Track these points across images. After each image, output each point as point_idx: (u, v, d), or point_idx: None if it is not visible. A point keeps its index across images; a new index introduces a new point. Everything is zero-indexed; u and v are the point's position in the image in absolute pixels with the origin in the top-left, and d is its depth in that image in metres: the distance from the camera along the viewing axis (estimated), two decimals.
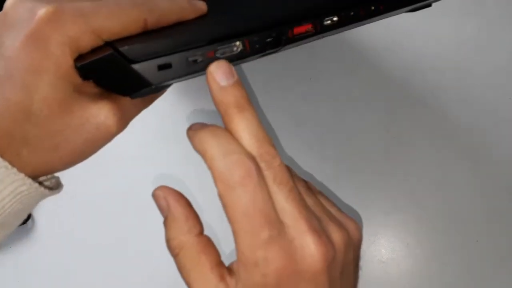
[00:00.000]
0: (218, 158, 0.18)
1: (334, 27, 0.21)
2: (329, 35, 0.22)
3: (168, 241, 0.20)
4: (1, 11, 0.19)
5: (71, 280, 0.46)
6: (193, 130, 0.19)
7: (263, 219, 0.17)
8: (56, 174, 0.22)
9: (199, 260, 0.19)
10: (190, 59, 0.19)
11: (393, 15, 0.25)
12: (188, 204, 0.20)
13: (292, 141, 0.49)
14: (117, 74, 0.18)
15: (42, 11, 0.17)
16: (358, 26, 0.23)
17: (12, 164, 0.18)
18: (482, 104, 0.48)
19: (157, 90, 0.20)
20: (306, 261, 0.18)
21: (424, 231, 0.44)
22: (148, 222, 0.22)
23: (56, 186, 0.22)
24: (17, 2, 0.18)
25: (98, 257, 0.46)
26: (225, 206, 0.18)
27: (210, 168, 0.18)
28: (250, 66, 0.50)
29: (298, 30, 0.21)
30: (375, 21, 0.23)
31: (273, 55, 0.22)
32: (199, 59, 0.19)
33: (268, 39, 0.20)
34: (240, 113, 0.19)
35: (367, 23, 0.23)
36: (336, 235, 0.19)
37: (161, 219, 0.21)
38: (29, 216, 0.47)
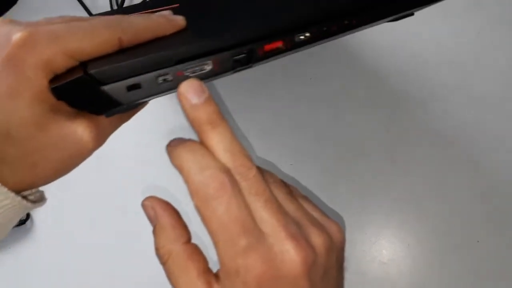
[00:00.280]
0: (193, 173, 0.18)
1: (307, 43, 0.22)
2: (305, 49, 0.22)
3: (156, 250, 0.20)
4: None
5: (70, 280, 0.46)
6: (171, 146, 0.20)
7: (240, 229, 0.18)
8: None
9: (186, 267, 0.19)
10: (160, 79, 0.19)
11: (372, 27, 0.24)
12: (175, 213, 0.21)
13: (292, 141, 0.49)
14: (88, 95, 0.18)
15: (17, 35, 0.18)
16: (334, 39, 0.23)
17: None
18: (483, 104, 0.48)
19: (130, 108, 0.20)
20: (286, 267, 0.18)
21: (425, 232, 0.44)
22: (148, 222, 0.22)
23: (39, 199, 0.22)
24: None
25: (97, 257, 0.46)
26: (202, 219, 0.19)
27: (186, 183, 0.19)
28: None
29: (269, 47, 0.21)
30: (352, 33, 0.23)
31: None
32: (169, 78, 0.20)
33: (238, 57, 0.20)
34: (213, 129, 0.19)
35: (345, 36, 0.23)
36: (317, 239, 0.20)
37: None
38: (28, 216, 0.47)
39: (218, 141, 0.19)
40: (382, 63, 0.51)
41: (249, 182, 0.19)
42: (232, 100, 0.51)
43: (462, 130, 0.47)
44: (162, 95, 0.20)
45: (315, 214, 0.22)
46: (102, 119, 0.21)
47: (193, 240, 0.21)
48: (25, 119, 0.19)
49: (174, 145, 0.20)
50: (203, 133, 0.19)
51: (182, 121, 0.52)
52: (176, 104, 0.51)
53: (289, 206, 0.21)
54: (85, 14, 0.59)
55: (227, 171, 0.19)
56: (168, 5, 0.36)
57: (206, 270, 0.20)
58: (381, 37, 0.52)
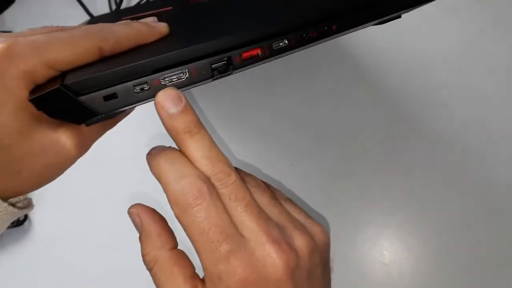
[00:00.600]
0: (172, 182, 0.19)
1: (286, 50, 0.22)
2: (287, 55, 0.22)
3: (143, 256, 0.21)
4: None
5: (68, 280, 0.46)
6: (151, 155, 0.21)
7: (220, 235, 0.18)
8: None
9: (172, 273, 0.20)
10: (136, 88, 0.20)
11: (355, 31, 0.24)
12: (161, 220, 0.21)
13: (293, 141, 0.48)
14: (65, 106, 0.19)
15: None
16: (316, 45, 0.23)
17: None
18: (484, 104, 0.48)
19: (110, 116, 0.20)
20: (268, 270, 0.18)
21: (426, 232, 0.44)
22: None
23: (27, 206, 0.23)
24: None
25: (95, 257, 0.46)
26: (183, 227, 0.19)
27: (165, 192, 0.19)
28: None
29: (247, 55, 0.21)
30: (335, 38, 0.23)
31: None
32: (146, 87, 0.20)
33: (216, 65, 0.21)
34: (191, 137, 0.20)
35: (326, 41, 0.23)
36: (299, 242, 0.20)
37: None
38: (26, 217, 0.47)
39: (196, 149, 0.20)
40: (383, 62, 0.51)
41: (229, 188, 0.19)
42: (232, 98, 0.51)
43: (463, 130, 0.47)
44: (143, 104, 0.20)
45: (299, 216, 0.22)
46: (85, 127, 0.21)
47: (180, 246, 0.21)
48: (9, 129, 0.19)
49: (153, 154, 0.20)
50: (181, 141, 0.20)
51: None
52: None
53: (272, 210, 0.21)
54: (83, 13, 0.58)
55: (205, 179, 0.19)
56: (163, 8, 0.37)
57: (193, 275, 0.20)
58: (382, 36, 0.52)
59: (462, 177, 0.45)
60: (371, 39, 0.52)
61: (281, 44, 0.21)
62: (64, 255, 0.47)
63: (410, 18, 0.53)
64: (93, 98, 0.19)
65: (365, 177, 0.46)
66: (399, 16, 0.27)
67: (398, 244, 0.44)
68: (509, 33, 0.51)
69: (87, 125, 0.20)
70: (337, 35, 0.23)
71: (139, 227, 0.21)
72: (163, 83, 0.20)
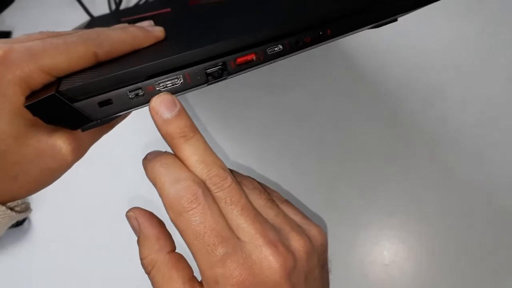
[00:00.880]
0: (167, 187, 0.19)
1: (280, 55, 0.22)
2: (282, 60, 0.22)
3: (141, 260, 0.21)
4: None
5: (67, 281, 0.46)
6: (147, 160, 0.21)
7: (216, 238, 0.18)
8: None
9: (170, 276, 0.20)
10: (131, 94, 0.20)
11: (352, 34, 0.24)
12: (159, 224, 0.21)
13: (293, 141, 0.48)
14: (60, 112, 0.19)
15: None
16: (313, 49, 0.23)
17: None
18: (485, 104, 0.48)
19: (106, 122, 0.20)
20: (265, 273, 0.18)
21: (427, 233, 0.44)
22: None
23: (25, 209, 0.23)
24: None
25: (94, 257, 0.46)
26: (179, 231, 0.19)
27: (161, 196, 0.19)
28: None
29: (241, 60, 0.21)
30: (332, 42, 0.23)
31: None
32: (140, 93, 0.20)
33: (210, 71, 0.20)
34: (186, 142, 0.20)
35: (324, 44, 0.23)
36: (297, 243, 0.20)
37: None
38: (25, 218, 0.47)
39: (191, 153, 0.20)
40: (383, 62, 0.51)
41: (224, 191, 0.19)
42: (227, 99, 0.51)
43: (463, 130, 0.47)
44: (138, 109, 0.21)
45: (296, 218, 0.22)
46: (81, 132, 0.21)
47: (178, 250, 0.21)
48: (5, 134, 0.19)
49: (149, 159, 0.21)
50: (176, 146, 0.20)
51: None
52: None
53: (269, 212, 0.21)
54: (83, 13, 0.58)
55: (200, 183, 0.19)
56: (161, 10, 0.37)
57: (191, 278, 0.20)
58: (382, 36, 0.52)
59: (462, 177, 0.45)
60: (371, 39, 0.52)
61: (275, 49, 0.21)
62: (63, 255, 0.47)
63: (410, 18, 0.53)
64: (88, 104, 0.19)
65: (365, 177, 0.46)
66: (395, 20, 0.27)
67: (398, 245, 0.44)
68: (509, 33, 0.51)
69: (83, 130, 0.20)
70: (332, 39, 0.23)
71: (137, 231, 0.21)
72: (157, 88, 0.20)
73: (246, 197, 0.20)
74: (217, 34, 0.23)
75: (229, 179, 0.20)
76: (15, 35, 0.59)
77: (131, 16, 0.42)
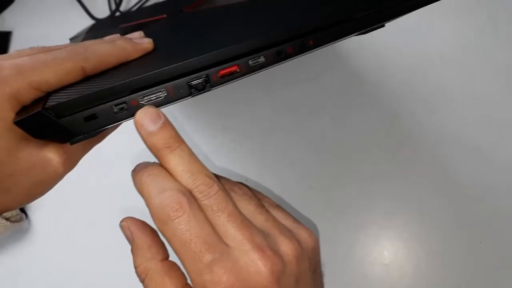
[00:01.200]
0: (153, 197, 0.19)
1: (263, 66, 0.22)
2: (266, 70, 0.22)
3: (135, 268, 0.21)
4: None
5: (67, 280, 0.46)
6: (135, 171, 0.21)
7: (202, 245, 0.18)
8: None
9: (164, 284, 0.20)
10: (115, 108, 0.20)
11: (337, 42, 0.24)
12: (152, 233, 0.21)
13: (293, 141, 0.48)
14: (48, 127, 0.19)
15: None
16: (296, 59, 0.23)
17: None
18: (485, 104, 0.48)
19: (93, 135, 0.21)
20: (253, 278, 0.18)
21: (427, 233, 0.44)
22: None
23: (20, 219, 0.24)
24: None
25: (94, 257, 0.46)
26: (167, 240, 0.19)
27: (147, 206, 0.19)
28: None
29: (224, 72, 0.21)
30: (315, 51, 0.23)
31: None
32: (125, 107, 0.20)
33: (193, 83, 0.21)
34: (171, 152, 0.20)
35: (308, 53, 0.23)
36: (285, 247, 0.20)
37: None
38: (25, 217, 0.47)
39: (176, 163, 0.20)
40: (383, 62, 0.51)
41: (211, 199, 0.20)
42: (233, 96, 0.51)
43: (463, 130, 0.47)
44: (124, 122, 0.21)
45: (287, 222, 0.23)
46: (71, 145, 0.22)
47: (172, 258, 0.21)
48: None
49: (137, 170, 0.21)
50: (162, 157, 0.20)
51: (186, 125, 0.51)
52: (184, 107, 0.50)
53: (258, 218, 0.21)
54: (83, 13, 0.58)
55: (184, 191, 0.19)
56: (158, 16, 0.38)
57: (184, 285, 0.20)
58: (381, 36, 0.52)
59: (462, 177, 0.45)
60: (371, 40, 0.51)
61: (258, 60, 0.21)
62: (63, 255, 0.47)
63: (410, 18, 0.53)
64: (74, 120, 0.20)
65: (365, 178, 0.46)
66: (383, 25, 0.27)
67: (398, 245, 0.44)
68: (508, 33, 0.51)
69: (71, 144, 0.21)
70: (316, 49, 0.23)
71: (130, 240, 0.22)
72: (141, 102, 0.20)
73: (234, 203, 0.20)
74: (201, 46, 0.23)
75: (215, 187, 0.20)
76: (15, 35, 0.59)
77: (129, 22, 0.43)
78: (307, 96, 0.50)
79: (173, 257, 0.21)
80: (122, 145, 0.48)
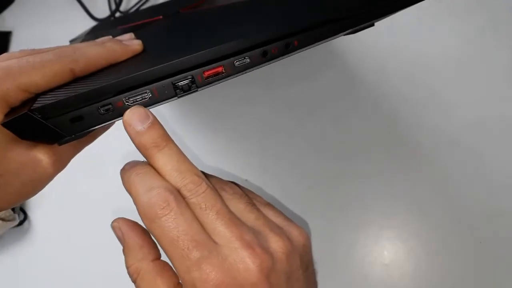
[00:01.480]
0: (140, 195, 0.19)
1: (249, 67, 0.22)
2: (252, 71, 0.22)
3: (126, 269, 0.21)
4: None
5: (67, 280, 0.46)
6: (124, 170, 0.21)
7: (190, 242, 0.18)
8: None
9: (155, 284, 0.20)
10: (101, 110, 0.20)
11: (324, 43, 0.24)
12: (143, 233, 0.21)
13: (293, 141, 0.48)
14: (35, 129, 0.20)
15: None
16: (284, 59, 0.23)
17: None
18: (485, 104, 0.48)
19: (81, 136, 0.21)
20: (242, 275, 0.18)
21: (427, 233, 0.44)
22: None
23: (12, 219, 0.25)
24: None
25: (94, 257, 0.46)
26: (155, 239, 0.19)
27: (135, 205, 0.19)
28: None
29: (209, 73, 0.21)
30: (305, 51, 0.23)
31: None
32: (110, 108, 0.20)
33: (179, 84, 0.21)
34: (159, 151, 0.20)
35: (296, 54, 0.23)
36: (275, 245, 0.20)
37: None
38: (25, 217, 0.47)
39: (165, 162, 0.20)
40: (382, 62, 0.51)
41: (199, 197, 0.20)
42: (233, 96, 0.51)
43: (464, 130, 0.47)
44: (111, 123, 0.21)
45: (277, 220, 0.23)
46: (62, 146, 0.22)
47: (164, 258, 0.21)
48: None
49: (126, 169, 0.21)
50: (151, 156, 0.20)
51: (183, 123, 0.51)
52: (184, 107, 0.50)
53: (249, 216, 0.21)
54: (83, 13, 0.58)
55: (172, 190, 0.19)
56: (153, 17, 0.39)
57: (176, 285, 0.20)
58: (381, 37, 0.52)
59: (462, 177, 0.45)
60: (371, 40, 0.52)
61: (243, 61, 0.21)
62: (63, 255, 0.47)
63: (410, 18, 0.53)
64: (61, 121, 0.20)
65: (365, 177, 0.46)
66: (372, 24, 0.27)
67: (398, 245, 0.44)
68: (509, 33, 0.51)
69: (59, 144, 0.21)
70: (302, 49, 0.23)
71: (121, 241, 0.22)
72: (127, 104, 0.20)
73: (223, 201, 0.20)
74: (187, 47, 0.23)
75: (203, 185, 0.20)
76: (15, 35, 0.59)
77: (128, 23, 0.44)
78: (307, 96, 0.50)
79: (165, 257, 0.21)
80: (123, 146, 0.48)
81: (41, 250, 0.47)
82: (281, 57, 0.22)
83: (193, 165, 0.21)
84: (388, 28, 0.52)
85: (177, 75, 0.21)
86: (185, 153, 0.21)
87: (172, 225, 0.18)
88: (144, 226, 0.20)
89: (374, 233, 0.44)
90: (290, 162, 0.47)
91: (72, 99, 0.19)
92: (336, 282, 0.43)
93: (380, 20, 0.26)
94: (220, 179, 0.23)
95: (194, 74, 0.21)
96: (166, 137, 0.21)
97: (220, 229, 0.19)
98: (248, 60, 0.21)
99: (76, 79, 0.22)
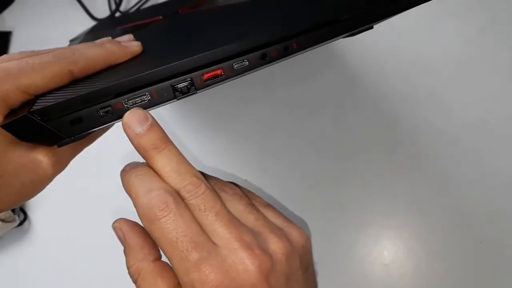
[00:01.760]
0: (140, 197, 0.19)
1: (247, 69, 0.22)
2: (251, 73, 0.22)
3: (127, 269, 0.21)
4: None
5: (67, 280, 0.46)
6: (124, 171, 0.21)
7: (189, 244, 0.18)
8: None
9: (156, 284, 0.20)
10: (100, 112, 0.20)
11: (324, 45, 0.24)
12: (143, 233, 0.22)
13: (293, 141, 0.48)
14: (34, 131, 0.20)
15: None
16: (283, 61, 0.23)
17: None
18: (485, 104, 0.48)
19: (79, 138, 0.21)
20: (241, 276, 0.18)
21: (427, 233, 0.44)
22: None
23: (12, 220, 0.25)
24: None
25: (94, 257, 0.46)
26: (155, 240, 0.19)
27: (135, 206, 0.20)
28: None
29: (208, 75, 0.21)
30: (303, 53, 0.23)
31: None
32: (110, 110, 0.20)
33: (177, 86, 0.21)
34: (159, 153, 0.20)
35: (294, 57, 0.23)
36: (275, 246, 0.20)
37: None
38: (26, 217, 0.47)
39: (164, 164, 0.20)
40: (382, 62, 0.51)
41: (198, 199, 0.20)
42: (233, 96, 0.51)
43: (464, 130, 0.47)
44: (110, 125, 0.21)
45: (277, 221, 0.23)
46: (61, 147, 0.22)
47: (164, 258, 0.21)
48: None
49: (126, 170, 0.21)
50: (150, 158, 0.21)
51: (183, 123, 0.51)
52: (184, 107, 0.50)
53: (248, 217, 0.21)
54: (83, 13, 0.58)
55: (171, 191, 0.19)
56: (153, 17, 0.39)
57: (177, 285, 0.20)
58: (381, 37, 0.52)
59: (462, 177, 0.45)
60: (372, 39, 0.52)
61: (242, 64, 0.21)
62: (63, 255, 0.47)
63: (410, 18, 0.53)
64: (60, 123, 0.20)
65: (365, 177, 0.46)
66: (371, 27, 0.27)
67: (398, 245, 0.44)
68: (509, 33, 0.51)
69: (59, 146, 0.21)
70: (301, 52, 0.23)
71: (122, 241, 0.22)
72: (126, 106, 0.21)
73: (222, 202, 0.21)
74: (186, 49, 0.23)
75: (202, 186, 0.20)
76: (15, 35, 0.59)
77: (127, 24, 0.44)
78: (307, 96, 0.50)
79: (165, 258, 0.21)
80: (123, 147, 0.48)
81: (41, 250, 0.47)
82: (280, 60, 0.22)
83: (192, 166, 0.21)
84: (388, 29, 0.52)
85: (176, 77, 0.21)
86: (184, 154, 0.21)
87: (171, 226, 0.19)
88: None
89: (374, 233, 0.44)
90: (290, 162, 0.47)
91: (71, 101, 0.19)
92: (336, 282, 0.43)
93: (379, 22, 0.26)
94: (220, 180, 0.23)
95: (193, 76, 0.21)
96: (165, 139, 0.21)
97: (219, 230, 0.19)
98: (247, 62, 0.22)
99: (76, 81, 0.22)
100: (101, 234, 0.46)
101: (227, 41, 0.21)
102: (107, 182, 0.48)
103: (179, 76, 0.21)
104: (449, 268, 0.42)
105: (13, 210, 0.44)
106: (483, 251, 0.43)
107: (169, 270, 0.21)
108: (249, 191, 0.24)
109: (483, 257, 0.42)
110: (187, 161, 0.21)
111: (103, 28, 0.51)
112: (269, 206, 0.24)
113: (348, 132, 0.48)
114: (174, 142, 0.21)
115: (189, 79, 0.21)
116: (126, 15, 0.57)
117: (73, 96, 0.19)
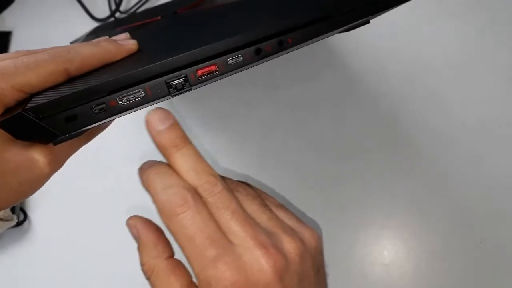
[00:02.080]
0: (159, 193, 0.20)
1: (241, 65, 0.22)
2: (248, 69, 0.22)
3: (141, 266, 0.21)
4: None
5: (67, 281, 0.46)
6: (142, 169, 0.22)
7: (206, 240, 0.19)
8: None
9: (169, 282, 0.20)
10: (95, 109, 0.20)
11: (319, 40, 0.24)
12: (157, 231, 0.22)
13: (293, 141, 0.48)
14: (29, 129, 0.20)
15: None
16: (278, 57, 0.23)
17: None
18: (485, 104, 0.48)
19: (75, 136, 0.21)
20: (256, 275, 0.19)
21: (427, 232, 0.44)
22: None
23: (10, 219, 0.24)
24: None
25: (94, 257, 0.46)
26: (172, 235, 0.20)
27: (154, 202, 0.20)
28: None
29: (202, 71, 0.21)
30: (299, 49, 0.23)
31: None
32: (104, 107, 0.20)
33: (172, 83, 0.21)
34: (178, 151, 0.21)
35: (293, 51, 0.23)
36: (288, 246, 0.20)
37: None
38: (25, 217, 0.47)
39: (182, 162, 0.21)
40: (382, 62, 0.51)
41: (215, 197, 0.20)
42: (234, 96, 0.51)
43: (464, 130, 0.47)
44: (106, 122, 0.21)
45: (290, 222, 0.23)
46: (58, 145, 0.22)
47: (177, 256, 0.21)
48: None
49: (144, 168, 0.22)
50: (169, 156, 0.21)
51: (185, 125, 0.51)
52: (183, 106, 0.50)
53: (262, 217, 0.21)
54: (83, 13, 0.58)
55: (190, 188, 0.20)
56: (152, 18, 0.39)
57: (190, 283, 0.20)
58: (381, 37, 0.52)
59: (462, 177, 0.45)
60: (370, 40, 0.52)
61: (237, 59, 0.21)
62: (63, 255, 0.47)
63: (410, 18, 0.53)
64: (55, 121, 0.20)
65: (365, 177, 0.46)
66: (368, 22, 0.27)
67: (398, 245, 0.44)
68: (508, 33, 0.51)
69: (54, 144, 0.21)
70: (297, 47, 0.23)
71: (136, 238, 0.22)
72: (120, 103, 0.21)
73: (238, 202, 0.21)
74: (181, 46, 0.23)
75: (219, 185, 0.20)
76: (15, 35, 0.59)
77: (128, 24, 0.44)
78: (307, 97, 0.50)
79: (178, 255, 0.21)
80: (122, 147, 0.48)
81: (41, 250, 0.47)
82: (275, 55, 0.22)
83: (209, 166, 0.21)
84: (388, 28, 0.52)
85: (170, 73, 0.21)
86: None
87: (189, 222, 0.19)
88: (161, 224, 0.21)
89: (374, 233, 0.44)
90: (290, 162, 0.47)
91: (66, 98, 0.19)
92: (336, 282, 0.42)
93: (375, 17, 0.26)
94: (233, 180, 0.23)
95: (187, 72, 0.21)
96: (185, 138, 0.21)
97: (235, 229, 0.20)
98: (241, 58, 0.21)
99: (71, 79, 0.22)
100: (101, 233, 0.46)
101: (220, 37, 0.21)
102: (107, 182, 0.49)
103: (173, 72, 0.21)
104: (449, 268, 0.42)
105: (12, 210, 0.44)
106: (483, 251, 0.43)
107: (182, 268, 0.21)
108: (261, 191, 0.24)
109: (483, 257, 0.42)
110: (205, 161, 0.21)
111: (105, 29, 0.51)
112: (281, 206, 0.24)
113: (348, 132, 0.48)
114: None
115: (183, 75, 0.21)
116: (127, 16, 0.57)
117: (67, 93, 0.20)
